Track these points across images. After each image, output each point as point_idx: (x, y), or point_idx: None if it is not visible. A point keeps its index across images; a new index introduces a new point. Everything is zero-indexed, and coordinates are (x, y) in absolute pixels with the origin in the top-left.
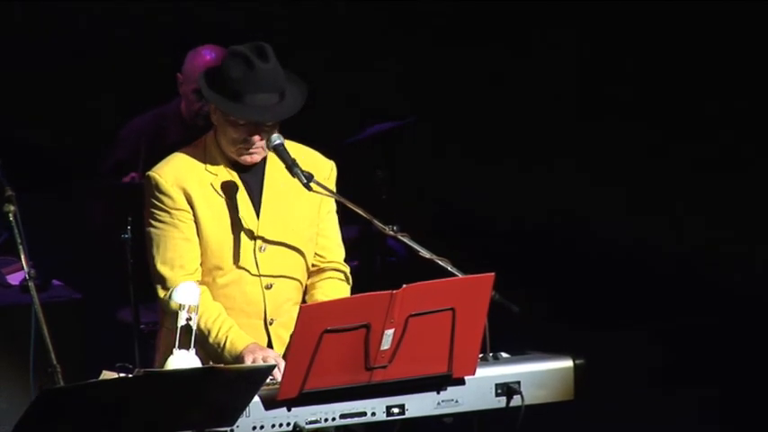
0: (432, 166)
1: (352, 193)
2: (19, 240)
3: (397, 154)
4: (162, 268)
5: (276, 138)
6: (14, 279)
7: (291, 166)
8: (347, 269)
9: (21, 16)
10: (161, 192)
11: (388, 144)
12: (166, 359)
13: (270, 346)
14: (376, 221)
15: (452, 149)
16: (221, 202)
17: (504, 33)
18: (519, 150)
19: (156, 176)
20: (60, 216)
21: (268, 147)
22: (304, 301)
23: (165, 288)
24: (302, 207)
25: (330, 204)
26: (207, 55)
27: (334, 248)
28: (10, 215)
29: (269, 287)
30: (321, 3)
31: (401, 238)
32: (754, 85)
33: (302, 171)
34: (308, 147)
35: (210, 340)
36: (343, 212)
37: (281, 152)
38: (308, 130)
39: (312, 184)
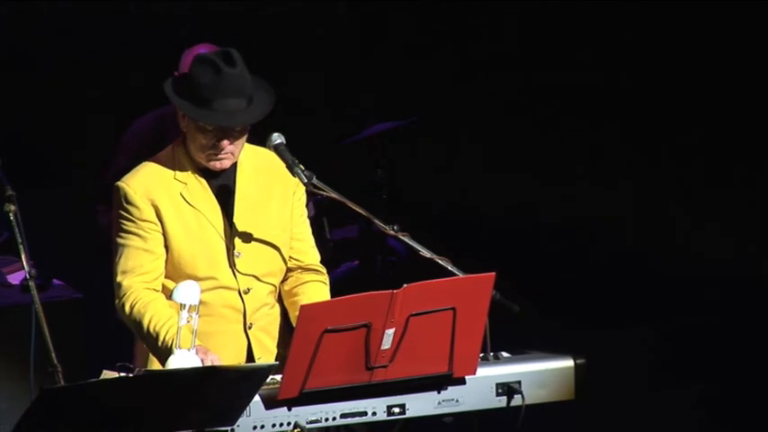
0: (431, 165)
1: (353, 193)
2: (19, 240)
3: (398, 154)
4: (120, 277)
5: (277, 137)
6: (14, 279)
7: (292, 165)
8: (325, 270)
9: (17, 15)
10: (129, 202)
11: (388, 144)
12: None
13: (250, 350)
14: (376, 221)
15: (452, 149)
16: (192, 212)
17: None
18: (520, 151)
19: (125, 187)
20: (61, 216)
21: (268, 146)
22: (282, 305)
23: (119, 296)
24: (274, 211)
25: (302, 209)
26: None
27: (309, 251)
28: (10, 215)
29: (247, 291)
30: (323, 3)
31: (402, 237)
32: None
33: (303, 170)
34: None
35: (159, 343)
36: (343, 212)
37: (281, 152)
38: (308, 131)
39: (314, 182)
